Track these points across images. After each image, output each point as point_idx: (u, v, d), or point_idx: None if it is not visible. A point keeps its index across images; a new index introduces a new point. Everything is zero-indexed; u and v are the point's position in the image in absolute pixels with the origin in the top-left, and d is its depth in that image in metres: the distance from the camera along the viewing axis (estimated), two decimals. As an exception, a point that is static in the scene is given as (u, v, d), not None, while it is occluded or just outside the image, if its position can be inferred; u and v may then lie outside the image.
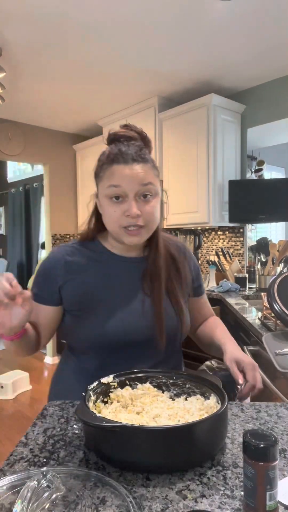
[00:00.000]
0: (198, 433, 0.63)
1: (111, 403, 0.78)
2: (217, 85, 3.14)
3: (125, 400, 0.77)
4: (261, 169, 3.42)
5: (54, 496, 0.53)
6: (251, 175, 3.42)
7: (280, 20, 2.23)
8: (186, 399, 0.79)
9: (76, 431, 0.75)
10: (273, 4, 2.08)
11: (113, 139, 0.94)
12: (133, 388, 0.82)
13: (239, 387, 0.84)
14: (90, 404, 0.72)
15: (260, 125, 3.14)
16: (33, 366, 4.21)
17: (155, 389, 0.83)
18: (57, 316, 0.98)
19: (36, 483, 0.53)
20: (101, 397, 0.78)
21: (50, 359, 4.36)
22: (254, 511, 0.52)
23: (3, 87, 2.76)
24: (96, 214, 1.00)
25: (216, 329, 1.06)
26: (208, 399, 0.76)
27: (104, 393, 0.79)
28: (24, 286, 5.08)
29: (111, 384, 0.81)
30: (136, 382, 0.83)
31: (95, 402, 0.76)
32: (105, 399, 0.79)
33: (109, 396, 0.79)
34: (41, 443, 0.71)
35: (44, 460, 0.66)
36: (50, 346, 4.39)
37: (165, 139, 3.30)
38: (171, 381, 0.84)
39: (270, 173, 4.23)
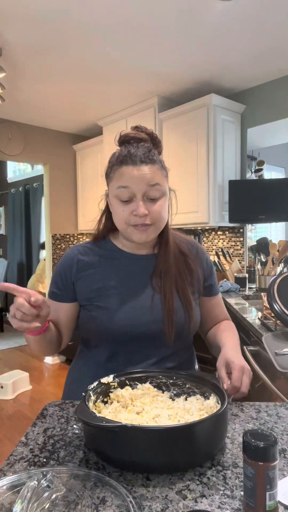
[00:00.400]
0: (198, 433, 0.63)
1: (111, 403, 0.78)
2: (217, 85, 3.14)
3: (125, 400, 0.78)
4: (261, 169, 3.42)
5: (54, 496, 0.54)
6: (251, 175, 3.42)
7: (280, 20, 2.23)
8: (186, 399, 0.80)
9: (76, 431, 0.75)
10: (273, 5, 2.08)
11: (123, 140, 0.97)
12: (133, 388, 0.82)
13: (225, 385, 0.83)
14: (90, 404, 0.72)
15: (260, 125, 3.14)
16: (33, 366, 4.21)
17: (155, 389, 0.83)
18: (76, 311, 1.03)
19: (36, 483, 0.54)
20: (101, 397, 0.78)
21: (50, 359, 4.36)
22: (254, 511, 0.52)
23: (3, 87, 2.76)
24: (107, 213, 1.03)
25: (223, 331, 1.05)
26: (208, 399, 0.76)
27: (104, 393, 0.80)
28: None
29: (111, 384, 0.81)
30: (136, 382, 0.84)
31: (95, 402, 0.76)
32: (105, 399, 0.79)
33: (109, 396, 0.80)
34: (41, 443, 0.71)
35: (44, 460, 0.66)
36: (50, 346, 4.38)
37: (165, 139, 3.29)
38: (171, 381, 0.84)
39: (270, 173, 4.23)
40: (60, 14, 2.16)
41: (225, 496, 0.56)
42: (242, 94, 3.23)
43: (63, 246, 4.54)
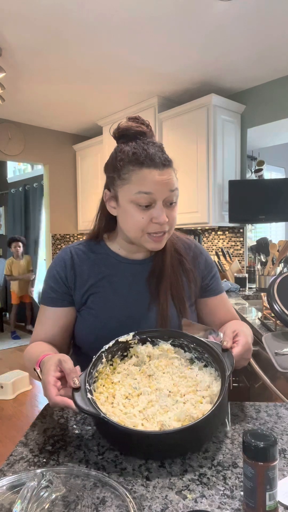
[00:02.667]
0: (175, 440, 0.63)
1: (131, 357, 0.81)
2: (217, 85, 3.14)
3: (142, 356, 0.79)
4: (261, 169, 3.42)
5: (54, 496, 0.53)
6: (251, 175, 3.42)
7: (280, 20, 2.23)
8: (202, 368, 0.78)
9: (76, 431, 0.75)
10: (273, 4, 2.08)
11: (124, 134, 0.90)
12: (153, 346, 0.83)
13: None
14: (101, 366, 0.76)
15: (260, 125, 3.14)
16: (33, 366, 4.21)
17: (176, 349, 0.82)
18: (75, 316, 0.98)
19: (36, 483, 0.53)
20: (119, 352, 0.82)
21: (50, 359, 4.36)
22: (254, 511, 0.52)
23: (3, 87, 2.76)
24: (103, 213, 0.97)
25: (229, 324, 0.97)
26: (219, 381, 0.74)
27: (123, 348, 0.82)
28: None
29: (130, 341, 0.83)
30: (158, 340, 0.84)
31: (111, 358, 0.80)
32: (125, 353, 0.82)
33: (129, 350, 0.82)
34: (41, 443, 0.71)
35: (44, 460, 0.66)
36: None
37: (165, 139, 3.29)
38: (192, 345, 0.82)
39: (270, 173, 4.23)
40: (60, 15, 2.16)
41: (225, 496, 0.56)
42: (242, 94, 3.23)
43: (63, 246, 4.54)
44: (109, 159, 0.93)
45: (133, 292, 0.95)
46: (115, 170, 0.89)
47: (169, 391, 0.72)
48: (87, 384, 0.69)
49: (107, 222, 0.97)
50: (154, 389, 0.72)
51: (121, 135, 0.91)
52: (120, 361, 0.81)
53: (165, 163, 0.85)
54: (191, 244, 1.04)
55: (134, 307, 0.94)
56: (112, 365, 0.80)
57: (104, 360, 0.78)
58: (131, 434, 0.63)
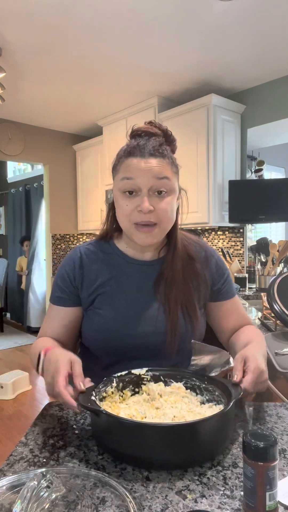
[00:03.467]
0: (183, 435, 0.63)
1: (142, 394, 0.81)
2: (217, 85, 3.14)
3: (154, 394, 0.79)
4: (261, 169, 3.42)
5: (54, 496, 0.53)
6: (251, 175, 3.42)
7: (280, 20, 2.23)
8: (213, 406, 0.76)
9: (76, 431, 0.75)
10: (273, 4, 2.08)
11: (135, 134, 0.92)
12: (166, 385, 0.83)
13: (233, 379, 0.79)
14: (110, 389, 0.78)
15: (260, 125, 3.14)
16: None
17: (188, 390, 0.81)
18: (81, 317, 0.98)
19: (36, 483, 0.53)
20: (131, 386, 0.82)
21: (50, 359, 4.36)
22: (254, 511, 0.52)
23: (3, 87, 2.76)
24: (113, 212, 0.97)
25: (243, 334, 0.95)
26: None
27: (136, 383, 0.82)
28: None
29: (143, 376, 0.83)
30: (171, 380, 0.84)
31: (122, 389, 0.80)
32: (136, 389, 0.82)
33: (141, 387, 0.82)
34: (41, 443, 0.71)
35: (44, 460, 0.66)
36: (50, 346, 4.39)
37: (165, 139, 3.29)
38: (203, 385, 0.81)
39: (270, 173, 4.23)
40: (60, 14, 2.16)
41: (225, 496, 0.56)
42: (242, 94, 3.23)
43: (63, 246, 4.54)
44: None
45: (141, 293, 0.94)
46: (114, 165, 0.93)
47: (174, 416, 0.71)
48: (93, 393, 0.70)
49: (114, 221, 0.97)
50: (160, 415, 0.72)
51: (133, 135, 0.93)
52: (131, 396, 0.81)
53: (153, 152, 0.85)
54: (202, 246, 1.02)
55: (141, 309, 0.92)
56: (122, 396, 0.80)
57: (114, 384, 0.79)
58: (133, 428, 0.62)
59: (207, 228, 3.47)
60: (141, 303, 0.93)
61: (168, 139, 0.92)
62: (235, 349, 0.91)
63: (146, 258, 0.97)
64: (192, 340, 0.93)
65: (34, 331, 5.59)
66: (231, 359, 0.82)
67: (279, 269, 2.78)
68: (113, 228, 0.99)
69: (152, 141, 0.87)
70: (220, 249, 3.27)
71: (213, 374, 0.94)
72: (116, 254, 0.97)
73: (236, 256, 3.29)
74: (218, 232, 3.45)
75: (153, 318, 0.92)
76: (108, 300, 0.93)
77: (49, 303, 1.00)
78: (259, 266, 2.87)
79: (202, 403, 0.79)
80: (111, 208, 0.98)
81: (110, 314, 0.92)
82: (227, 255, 3.15)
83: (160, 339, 0.90)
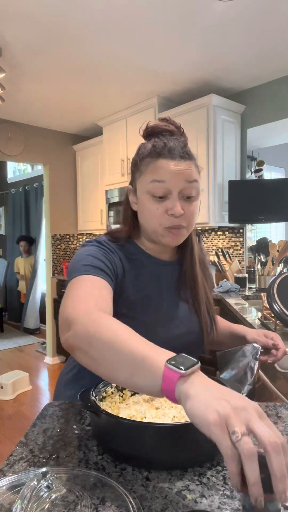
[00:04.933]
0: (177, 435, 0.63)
1: (141, 394, 0.80)
2: (217, 85, 3.14)
3: None
4: (261, 169, 3.42)
5: (54, 496, 0.53)
6: (251, 175, 3.42)
7: (280, 20, 2.23)
8: None
9: (76, 431, 0.75)
10: (273, 5, 2.08)
11: (152, 132, 0.89)
12: None
13: (273, 351, 0.96)
14: (110, 389, 0.78)
15: (260, 125, 3.14)
16: (33, 366, 4.21)
17: None
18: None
19: (36, 483, 0.53)
20: None
21: (50, 359, 4.36)
22: None
23: (3, 87, 2.76)
24: (131, 212, 0.93)
25: (231, 324, 1.11)
26: None
27: None
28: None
29: None
30: None
31: (122, 389, 0.80)
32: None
33: None
34: (41, 443, 0.71)
35: (44, 460, 0.66)
36: (50, 346, 4.39)
37: (165, 139, 3.30)
38: None
39: (270, 173, 4.23)
40: (60, 14, 2.16)
41: (225, 496, 0.56)
42: (242, 94, 3.23)
43: (63, 246, 4.54)
44: (133, 156, 0.92)
45: (169, 294, 0.93)
46: (136, 164, 0.89)
47: (174, 416, 0.71)
48: (92, 393, 0.70)
49: (133, 221, 0.94)
50: (160, 415, 0.72)
51: (149, 133, 0.90)
52: (131, 396, 0.81)
53: (183, 155, 0.83)
54: (205, 251, 1.05)
55: (174, 310, 0.92)
56: (122, 396, 0.80)
57: (114, 385, 0.79)
58: (133, 428, 0.62)
59: (207, 228, 3.47)
60: (172, 305, 0.92)
61: (184, 137, 0.91)
62: (232, 330, 1.07)
63: (165, 258, 0.96)
64: (217, 352, 0.98)
65: (31, 333, 5.60)
66: (255, 345, 0.94)
67: (279, 269, 2.78)
68: (133, 229, 0.94)
69: (178, 141, 0.85)
70: (220, 249, 3.27)
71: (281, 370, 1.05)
72: (140, 253, 0.94)
73: (236, 256, 3.29)
74: (218, 232, 3.45)
75: (185, 318, 0.92)
76: (151, 303, 0.90)
77: (82, 276, 0.78)
78: (259, 266, 2.87)
79: None
80: (129, 208, 0.93)
81: (147, 317, 0.88)
82: (227, 255, 3.15)
83: (192, 340, 0.91)
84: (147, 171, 0.84)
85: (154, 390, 0.53)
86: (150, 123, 0.90)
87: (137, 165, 0.88)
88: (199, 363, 0.53)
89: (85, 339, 0.63)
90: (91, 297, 0.72)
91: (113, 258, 0.86)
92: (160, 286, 0.93)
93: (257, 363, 0.91)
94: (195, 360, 0.53)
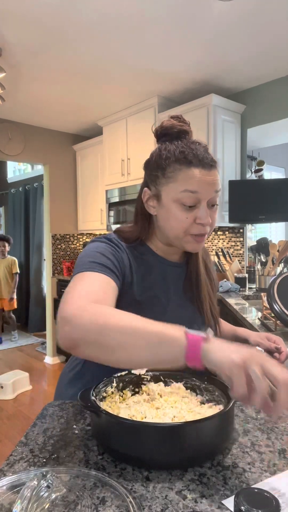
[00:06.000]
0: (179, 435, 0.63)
1: (142, 394, 0.81)
2: (217, 85, 3.14)
3: (154, 394, 0.79)
4: (261, 169, 3.42)
5: (54, 496, 0.53)
6: (251, 175, 3.42)
7: (280, 20, 2.23)
8: (211, 407, 0.76)
9: (76, 431, 0.75)
10: (273, 4, 2.08)
11: (168, 133, 0.88)
12: (166, 385, 0.83)
13: (276, 355, 0.97)
14: (110, 388, 0.77)
15: (260, 125, 3.14)
16: (33, 366, 4.21)
17: (188, 391, 0.82)
18: None
19: (36, 483, 0.53)
20: (131, 386, 0.82)
21: (50, 359, 4.36)
22: None
23: (3, 87, 2.76)
24: (144, 213, 0.93)
25: (234, 327, 1.13)
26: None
27: (136, 383, 0.82)
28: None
29: (143, 376, 0.83)
30: (171, 380, 0.84)
31: (122, 389, 0.80)
32: (136, 389, 0.82)
33: (141, 387, 0.82)
34: (41, 443, 0.71)
35: (44, 460, 0.66)
36: (50, 346, 4.39)
37: (165, 139, 3.30)
38: (203, 385, 0.81)
39: (270, 173, 4.23)
40: (60, 14, 2.16)
41: (225, 496, 0.56)
42: (242, 94, 3.23)
43: (63, 246, 4.54)
44: (152, 156, 0.89)
45: (176, 295, 0.95)
46: (159, 168, 0.86)
47: (174, 416, 0.71)
48: (92, 393, 0.71)
49: (146, 223, 0.93)
50: (160, 415, 0.72)
51: (164, 133, 0.89)
52: (131, 396, 0.81)
53: (212, 163, 0.84)
54: (205, 250, 1.06)
55: (180, 310, 0.93)
56: (122, 396, 0.80)
57: (114, 384, 0.79)
58: (133, 428, 0.62)
59: (207, 228, 3.47)
60: (178, 305, 0.95)
61: (191, 134, 0.91)
62: (235, 333, 1.10)
63: (174, 260, 0.97)
64: None
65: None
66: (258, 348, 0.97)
67: (279, 269, 2.78)
68: (146, 231, 0.93)
69: (202, 147, 0.85)
70: (220, 249, 3.27)
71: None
72: (150, 254, 0.94)
73: (236, 256, 3.29)
74: (218, 232, 3.45)
75: (190, 319, 0.94)
76: (159, 302, 0.92)
77: (86, 272, 0.78)
78: (259, 266, 2.87)
79: (202, 403, 0.79)
80: (143, 210, 0.92)
81: (153, 317, 0.88)
82: (227, 255, 3.15)
83: None
84: (178, 179, 0.83)
85: (179, 360, 0.59)
86: (165, 122, 0.89)
87: (162, 169, 0.85)
88: (211, 334, 0.61)
89: (94, 331, 0.63)
90: (92, 293, 0.73)
91: (122, 257, 0.86)
92: (167, 286, 0.94)
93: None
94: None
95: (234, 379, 0.54)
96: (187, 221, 0.84)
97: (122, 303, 0.80)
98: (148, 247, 0.94)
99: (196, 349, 0.58)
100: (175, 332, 0.61)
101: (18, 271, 5.23)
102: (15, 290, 5.19)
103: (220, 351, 0.57)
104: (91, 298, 0.71)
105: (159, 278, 0.93)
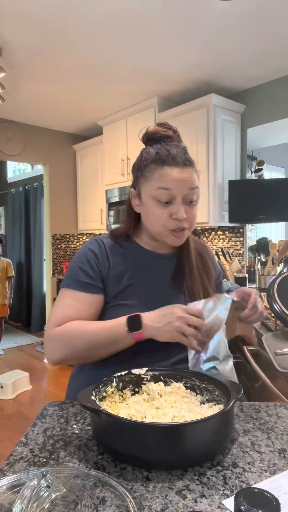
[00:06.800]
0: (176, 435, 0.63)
1: (142, 394, 0.81)
2: (217, 85, 3.14)
3: (154, 394, 0.79)
4: (261, 169, 3.42)
5: (54, 496, 0.53)
6: (251, 175, 3.42)
7: (280, 20, 2.23)
8: (212, 407, 0.76)
9: (76, 431, 0.75)
10: (272, 4, 2.08)
11: (152, 137, 0.95)
12: (166, 385, 0.83)
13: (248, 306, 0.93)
14: (110, 388, 0.78)
15: (260, 125, 3.14)
16: (33, 366, 4.21)
17: (188, 390, 0.82)
18: (102, 306, 0.97)
19: (36, 483, 0.53)
20: (131, 386, 0.82)
21: (50, 359, 4.35)
22: None
23: (3, 87, 2.76)
24: (131, 212, 1.00)
25: None
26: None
27: (136, 383, 0.83)
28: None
29: (143, 376, 0.83)
30: (171, 380, 0.84)
31: (122, 389, 0.80)
32: (136, 389, 0.82)
33: (140, 387, 0.82)
34: (41, 443, 0.71)
35: (44, 460, 0.66)
36: (50, 346, 4.38)
37: (165, 139, 3.30)
38: (203, 385, 0.81)
39: (270, 173, 4.23)
40: (60, 14, 2.16)
41: (225, 496, 0.56)
42: (242, 94, 3.23)
43: (63, 246, 4.54)
44: (135, 160, 0.98)
45: (164, 285, 0.99)
46: (139, 169, 0.94)
47: (174, 416, 0.71)
48: (93, 393, 0.71)
49: (133, 220, 1.01)
50: (160, 415, 0.72)
51: (149, 138, 0.96)
52: (131, 395, 0.81)
53: (186, 162, 0.90)
54: (203, 244, 1.11)
55: (168, 299, 0.94)
56: (122, 396, 0.80)
57: (114, 384, 0.79)
58: (133, 428, 0.62)
59: (207, 228, 3.47)
60: (167, 294, 0.98)
61: (179, 140, 0.97)
62: None
63: (163, 252, 1.03)
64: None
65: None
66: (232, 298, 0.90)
67: (279, 269, 2.78)
68: (132, 227, 1.02)
69: (180, 148, 0.92)
70: (220, 249, 3.27)
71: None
72: (135, 247, 1.01)
73: (236, 256, 3.29)
74: (218, 232, 3.45)
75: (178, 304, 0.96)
76: (135, 292, 0.96)
77: (66, 289, 0.95)
78: (259, 266, 2.87)
79: (202, 403, 0.79)
80: (128, 207, 1.00)
81: (139, 306, 0.93)
82: (227, 255, 3.15)
83: None
84: (152, 177, 0.91)
85: (130, 345, 0.87)
86: (150, 128, 0.97)
87: (141, 170, 0.93)
88: (139, 315, 0.85)
89: (69, 350, 0.90)
90: (65, 317, 0.92)
91: (99, 260, 0.96)
92: (150, 277, 0.99)
93: (227, 313, 0.85)
94: (136, 314, 0.86)
95: (174, 339, 0.82)
96: (163, 217, 0.91)
97: (106, 295, 0.95)
98: (134, 242, 1.02)
99: (141, 338, 0.85)
100: (123, 331, 0.85)
101: (14, 275, 4.67)
102: (12, 295, 4.63)
103: (158, 331, 0.83)
104: (63, 320, 0.91)
105: (142, 270, 0.99)
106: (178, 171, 0.89)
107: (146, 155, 0.93)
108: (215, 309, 0.86)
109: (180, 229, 0.92)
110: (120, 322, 0.86)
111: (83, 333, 0.88)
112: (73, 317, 0.92)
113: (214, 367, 0.83)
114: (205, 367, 0.84)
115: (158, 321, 0.83)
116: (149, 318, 0.84)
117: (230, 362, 0.84)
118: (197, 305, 0.87)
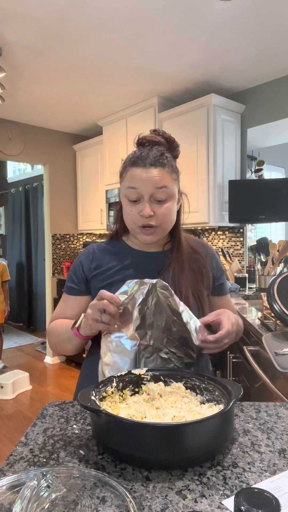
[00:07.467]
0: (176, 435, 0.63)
1: (142, 394, 0.81)
2: (217, 85, 3.14)
3: (154, 394, 0.80)
4: (261, 169, 3.42)
5: (54, 496, 0.53)
6: (251, 175, 3.42)
7: (280, 20, 2.23)
8: (212, 407, 0.76)
9: (76, 431, 0.75)
10: (273, 4, 2.08)
11: (140, 143, 1.01)
12: (166, 385, 0.83)
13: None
14: (110, 388, 0.78)
15: (260, 125, 3.14)
16: (33, 366, 4.21)
17: (188, 390, 0.82)
18: None
19: (36, 483, 0.53)
20: (131, 386, 0.82)
21: (50, 359, 4.36)
22: None
23: (3, 87, 2.76)
24: (121, 213, 1.06)
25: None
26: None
27: (136, 383, 0.83)
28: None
29: (143, 376, 0.84)
30: (171, 380, 0.84)
31: (122, 389, 0.80)
32: (136, 389, 0.83)
33: (141, 387, 0.83)
34: (41, 443, 0.71)
35: (44, 460, 0.66)
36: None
37: (165, 139, 3.29)
38: (203, 385, 0.81)
39: (270, 173, 4.23)
40: (60, 14, 2.16)
41: (225, 496, 0.56)
42: (242, 94, 3.23)
43: (63, 246, 4.54)
44: None
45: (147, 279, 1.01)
46: (120, 171, 1.02)
47: (174, 416, 0.71)
48: (93, 393, 0.71)
49: (121, 221, 1.07)
50: (160, 415, 0.72)
51: (139, 143, 1.01)
52: (131, 395, 0.81)
53: (153, 163, 0.94)
54: (204, 245, 1.13)
55: None
56: (122, 396, 0.80)
57: (114, 384, 0.80)
58: (133, 428, 0.62)
59: (207, 228, 3.47)
60: None
61: (171, 146, 1.01)
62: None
63: (152, 250, 1.07)
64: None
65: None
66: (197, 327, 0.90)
67: (279, 269, 2.78)
68: (121, 227, 1.09)
69: (154, 151, 0.96)
70: (220, 249, 3.27)
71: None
72: (124, 247, 1.08)
73: (236, 256, 3.29)
74: (218, 232, 3.45)
75: None
76: (118, 287, 0.96)
77: (63, 293, 1.10)
78: (259, 266, 2.87)
79: (202, 403, 0.79)
80: (119, 209, 1.06)
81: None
82: (227, 255, 3.15)
83: None
84: (125, 178, 0.98)
85: (81, 342, 0.98)
86: (141, 135, 1.02)
87: (121, 173, 1.02)
88: (82, 315, 0.93)
89: (51, 343, 1.08)
90: (56, 316, 1.10)
91: (84, 266, 1.07)
92: (134, 273, 1.03)
93: (142, 297, 0.89)
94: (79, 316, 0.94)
95: (93, 328, 0.89)
96: (132, 214, 0.97)
97: (93, 293, 1.03)
98: (124, 242, 1.10)
99: (82, 336, 0.94)
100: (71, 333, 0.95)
101: (9, 279, 4.33)
102: (9, 302, 4.30)
103: (82, 323, 0.92)
104: (54, 318, 1.09)
105: (126, 266, 1.04)
106: (144, 171, 0.94)
107: (126, 158, 1.00)
108: (136, 292, 0.90)
109: (148, 226, 0.96)
110: (73, 321, 0.96)
111: (54, 330, 1.04)
112: (61, 316, 1.07)
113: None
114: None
115: (85, 322, 0.91)
116: (84, 322, 0.92)
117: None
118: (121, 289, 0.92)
